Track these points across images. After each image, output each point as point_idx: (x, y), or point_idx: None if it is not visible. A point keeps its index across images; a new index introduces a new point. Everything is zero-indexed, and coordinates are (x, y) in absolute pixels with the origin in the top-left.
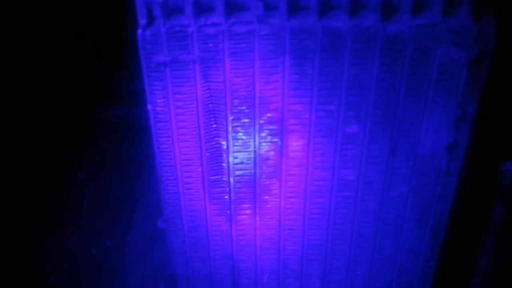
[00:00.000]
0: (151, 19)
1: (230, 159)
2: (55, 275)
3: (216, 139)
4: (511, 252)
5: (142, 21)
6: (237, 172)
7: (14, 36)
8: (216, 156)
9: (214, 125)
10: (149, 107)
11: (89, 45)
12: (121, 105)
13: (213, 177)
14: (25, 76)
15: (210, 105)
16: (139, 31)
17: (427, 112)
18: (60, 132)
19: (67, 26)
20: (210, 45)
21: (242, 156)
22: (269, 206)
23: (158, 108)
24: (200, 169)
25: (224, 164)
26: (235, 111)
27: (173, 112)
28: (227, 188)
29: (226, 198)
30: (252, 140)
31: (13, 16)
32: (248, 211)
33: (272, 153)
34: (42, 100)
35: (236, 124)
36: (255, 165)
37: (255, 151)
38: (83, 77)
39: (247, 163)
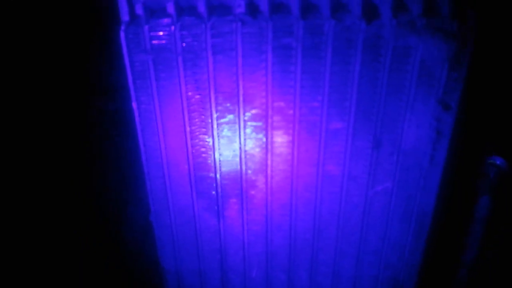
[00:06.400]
0: (133, 17)
1: (216, 155)
2: (46, 268)
3: (202, 136)
4: (496, 244)
5: (125, 19)
6: (224, 169)
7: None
8: (202, 153)
9: (199, 123)
10: (134, 104)
11: (79, 40)
12: (113, 99)
13: (199, 174)
14: (15, 68)
15: (195, 103)
16: (122, 29)
17: (409, 108)
18: (52, 125)
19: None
20: (193, 43)
21: (227, 152)
22: (256, 201)
23: (143, 106)
24: (186, 166)
25: (210, 161)
26: (219, 108)
27: (158, 110)
28: (214, 184)
29: (213, 194)
30: (237, 137)
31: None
32: (235, 207)
33: (257, 149)
34: (32, 92)
35: (221, 121)
36: (241, 162)
37: (240, 148)
38: (74, 70)
39: (233, 160)
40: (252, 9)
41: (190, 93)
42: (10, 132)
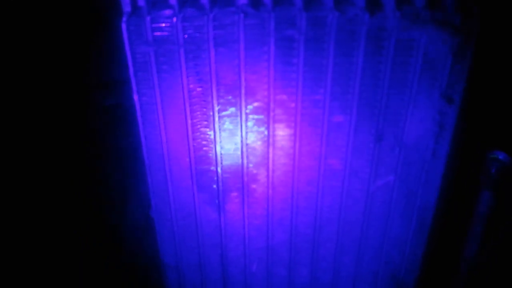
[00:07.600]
0: (135, 8)
1: (218, 149)
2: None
3: (203, 129)
4: (497, 240)
5: (126, 10)
6: (225, 162)
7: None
8: (203, 146)
9: (200, 115)
10: (135, 97)
11: (78, 33)
12: (113, 93)
13: (200, 167)
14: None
15: (196, 95)
16: (123, 20)
17: (412, 101)
18: (52, 121)
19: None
20: (195, 35)
21: (229, 146)
22: (257, 195)
23: (144, 98)
24: (187, 159)
25: (211, 154)
26: (221, 100)
27: (160, 102)
28: (215, 178)
29: (214, 188)
30: (239, 130)
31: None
32: (236, 200)
33: (259, 143)
34: (30, 88)
35: (223, 114)
36: (242, 155)
37: (242, 141)
38: (73, 64)
39: (234, 153)
40: (255, 1)
41: (191, 86)
42: (6, 129)
